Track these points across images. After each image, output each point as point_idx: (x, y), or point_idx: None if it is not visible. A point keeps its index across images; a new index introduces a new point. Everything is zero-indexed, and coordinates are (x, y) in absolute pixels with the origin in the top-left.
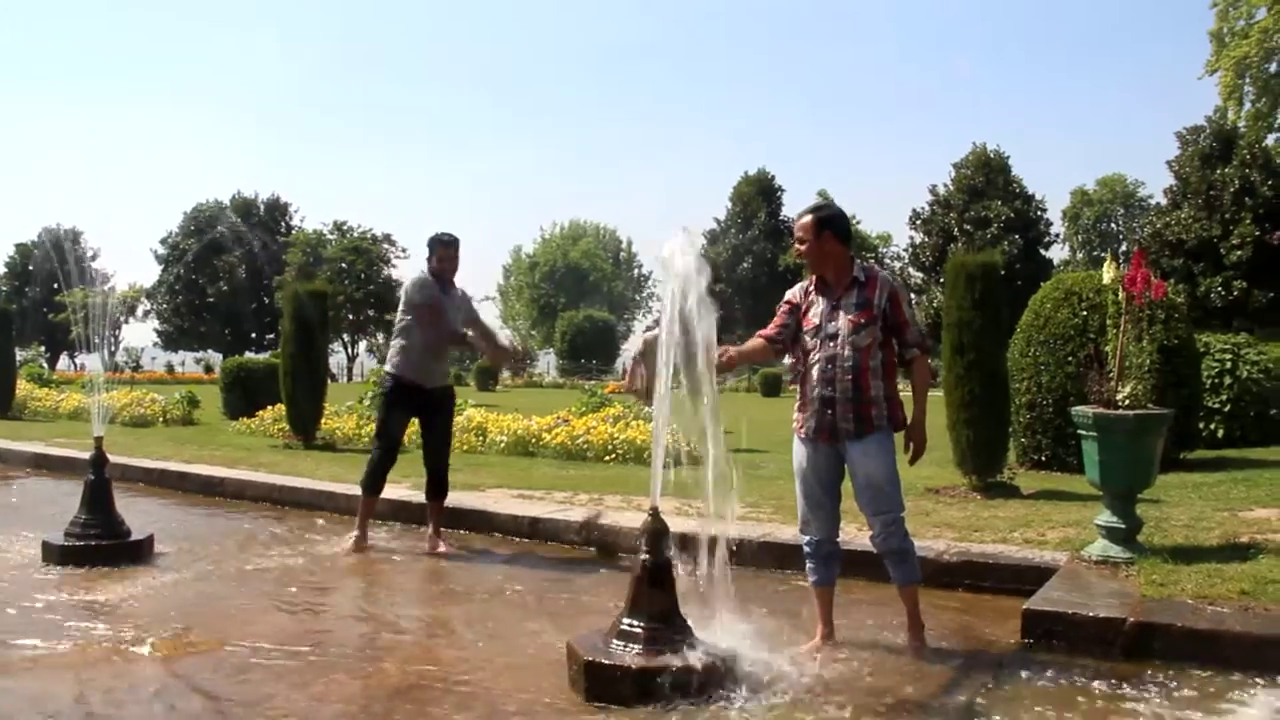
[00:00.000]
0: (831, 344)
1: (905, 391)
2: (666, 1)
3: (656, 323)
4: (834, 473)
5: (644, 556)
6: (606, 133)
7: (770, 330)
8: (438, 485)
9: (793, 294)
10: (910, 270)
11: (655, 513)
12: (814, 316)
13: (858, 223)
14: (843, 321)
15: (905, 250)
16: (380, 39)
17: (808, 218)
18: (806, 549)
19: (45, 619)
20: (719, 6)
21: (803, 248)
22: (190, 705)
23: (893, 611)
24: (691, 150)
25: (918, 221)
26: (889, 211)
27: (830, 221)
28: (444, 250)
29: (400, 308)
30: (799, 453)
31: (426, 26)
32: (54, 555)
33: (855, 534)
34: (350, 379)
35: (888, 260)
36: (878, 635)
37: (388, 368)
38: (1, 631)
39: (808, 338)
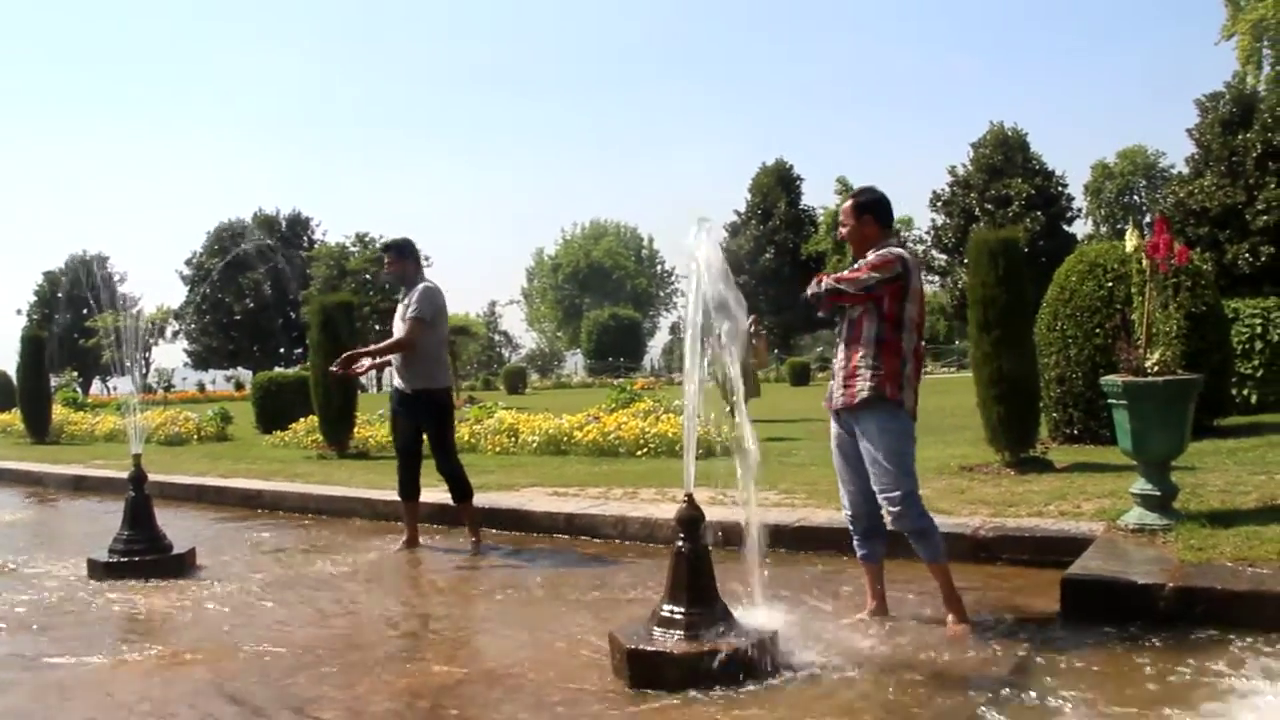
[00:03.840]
0: (839, 320)
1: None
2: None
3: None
4: (853, 448)
5: (680, 543)
6: (622, 131)
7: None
8: (451, 488)
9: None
10: (933, 253)
11: (690, 499)
12: None
13: None
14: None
15: (927, 233)
16: (392, 47)
17: (848, 202)
18: (848, 524)
19: (93, 633)
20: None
21: (844, 231)
22: (238, 710)
23: (934, 587)
24: (708, 144)
25: (938, 203)
26: (909, 195)
27: (869, 206)
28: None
29: None
30: (831, 430)
31: (439, 32)
32: (99, 571)
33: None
34: (380, 389)
35: (910, 244)
36: (920, 610)
37: None
38: (52, 646)
39: (837, 317)
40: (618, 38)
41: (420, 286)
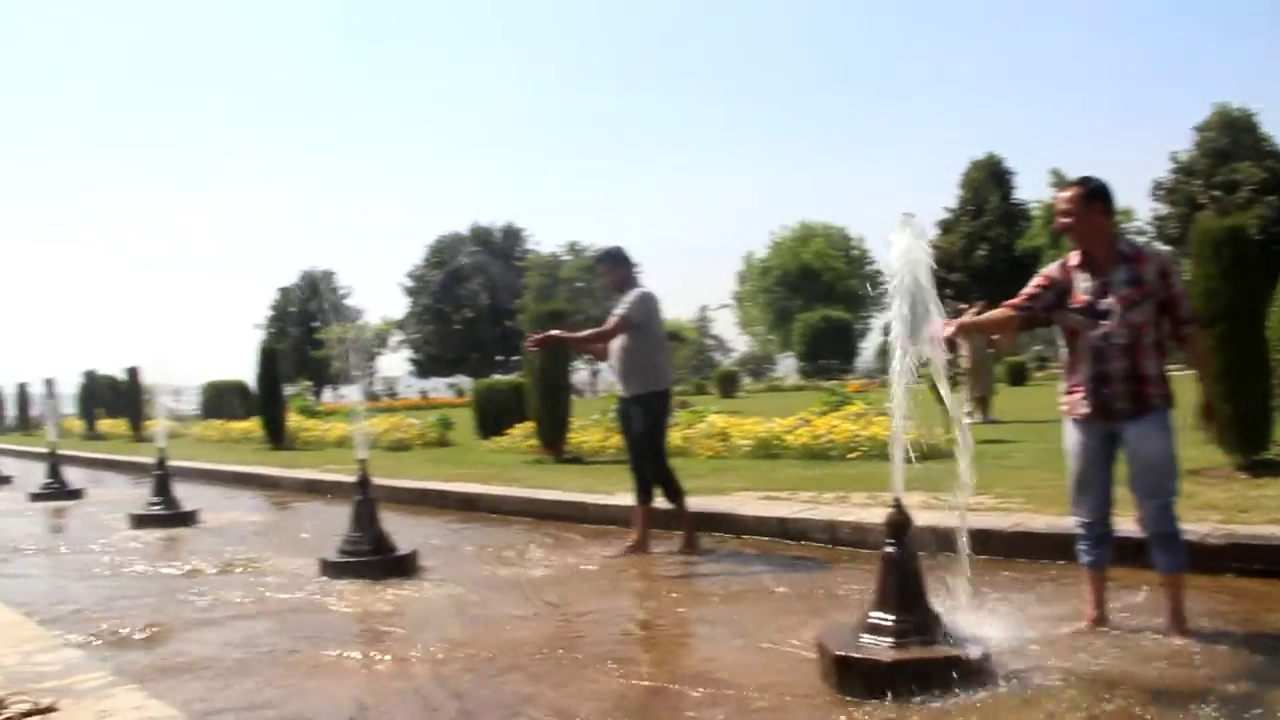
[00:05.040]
0: (1105, 322)
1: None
2: None
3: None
4: (1106, 454)
5: (889, 549)
6: (831, 131)
7: (1017, 300)
8: (661, 489)
9: (1050, 269)
10: (1156, 244)
11: (898, 504)
12: (1083, 294)
13: None
14: (1114, 299)
15: (1149, 224)
16: (603, 54)
17: (1075, 189)
18: (1079, 530)
19: (321, 629)
20: None
21: (1068, 220)
22: (453, 707)
23: (1159, 598)
24: (916, 140)
25: (1160, 192)
26: (1128, 184)
27: (1099, 193)
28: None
29: None
30: (1070, 435)
31: (649, 37)
32: (329, 570)
33: (1120, 520)
34: (595, 393)
35: (1130, 235)
36: (1143, 622)
37: None
38: (286, 640)
39: (1077, 316)
40: (822, 37)
41: (634, 290)
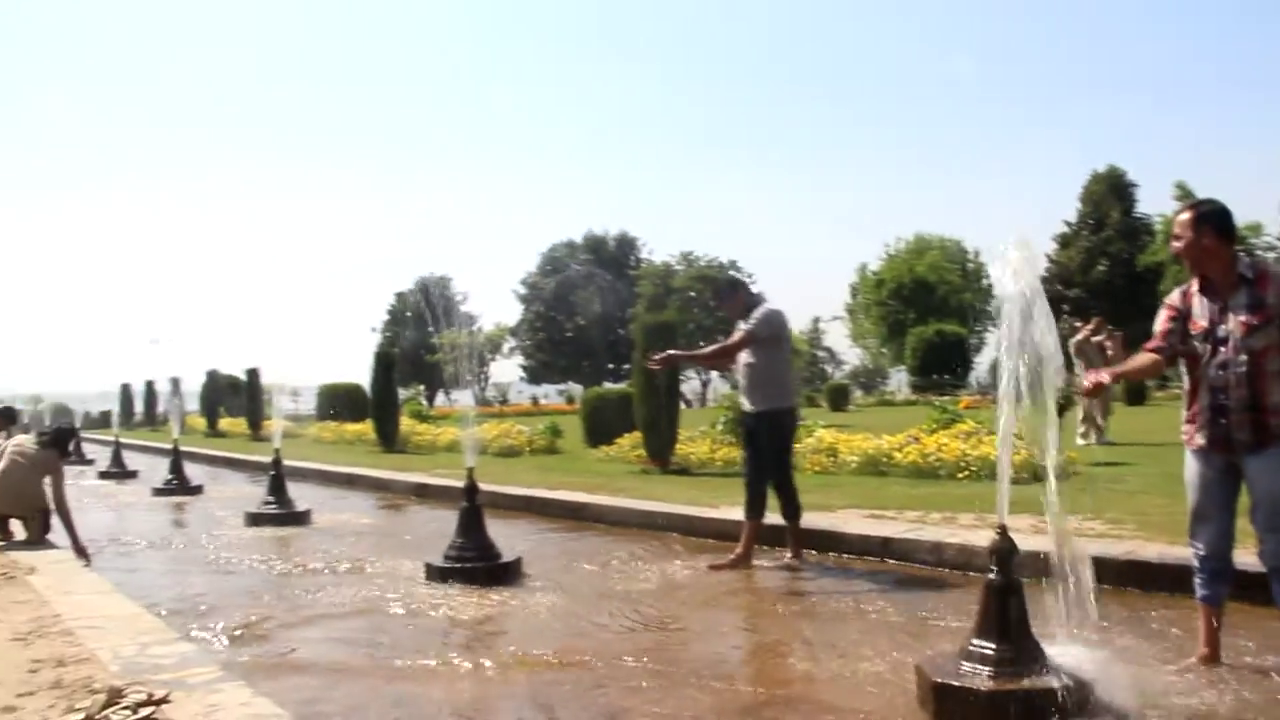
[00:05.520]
0: (1223, 349)
1: None
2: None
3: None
4: (1227, 487)
5: (992, 576)
6: (946, 140)
7: (1156, 342)
8: (783, 504)
9: (1172, 299)
10: None
11: (1003, 531)
12: (1201, 319)
13: None
14: (1233, 324)
15: (1278, 239)
16: (719, 63)
17: (1185, 214)
18: (1195, 563)
19: (424, 633)
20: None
21: (1179, 244)
22: (551, 717)
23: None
24: (1035, 151)
25: None
26: (1257, 198)
27: (1209, 217)
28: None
29: None
30: (1189, 466)
31: (766, 46)
32: (435, 575)
33: (1239, 554)
34: (705, 404)
35: (1259, 251)
36: (1258, 659)
37: None
38: (389, 642)
39: (1196, 342)
40: (941, 47)
41: (763, 307)
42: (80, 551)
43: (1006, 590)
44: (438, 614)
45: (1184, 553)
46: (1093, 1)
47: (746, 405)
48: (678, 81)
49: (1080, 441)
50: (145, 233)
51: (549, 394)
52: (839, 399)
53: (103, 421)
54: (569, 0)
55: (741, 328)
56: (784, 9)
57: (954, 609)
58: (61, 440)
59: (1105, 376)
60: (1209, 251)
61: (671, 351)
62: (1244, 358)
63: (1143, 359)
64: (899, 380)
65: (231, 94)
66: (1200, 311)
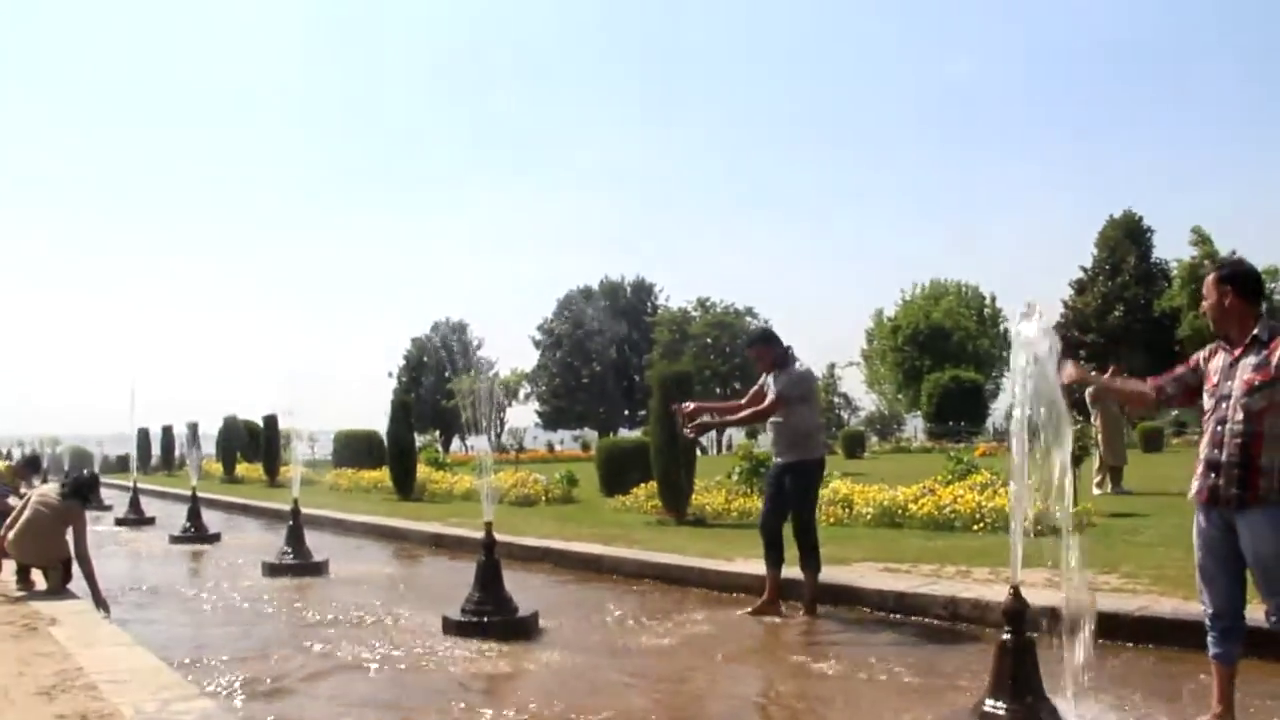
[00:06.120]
0: (1224, 405)
1: None
2: (1008, 43)
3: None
4: (1226, 544)
5: (1005, 636)
6: (961, 185)
7: (1157, 380)
8: (802, 556)
9: (1201, 352)
10: None
11: (1016, 591)
12: (1213, 374)
13: (1232, 254)
14: (1237, 382)
15: None
16: (731, 110)
17: (1210, 275)
18: (1206, 620)
19: (440, 689)
20: (1059, 45)
21: (1206, 304)
22: None
23: None
24: (1051, 196)
25: None
26: (1276, 241)
27: (1231, 279)
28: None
29: None
30: (1196, 522)
31: (780, 90)
32: (452, 629)
33: (1252, 609)
34: (720, 451)
35: (1276, 296)
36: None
37: None
38: (405, 698)
39: (1206, 397)
40: (956, 93)
41: (795, 367)
42: (100, 603)
43: (1019, 651)
44: (455, 670)
45: (1198, 608)
46: (1109, 46)
47: (777, 457)
48: (695, 129)
49: (1096, 491)
50: (160, 278)
51: (564, 440)
52: (854, 446)
53: (120, 465)
54: (585, 45)
55: (772, 389)
56: (799, 56)
57: (970, 664)
58: (83, 490)
59: (1079, 375)
60: (1231, 312)
61: (704, 419)
62: (1241, 415)
63: (1134, 383)
64: (915, 426)
65: (249, 137)
66: (1216, 368)
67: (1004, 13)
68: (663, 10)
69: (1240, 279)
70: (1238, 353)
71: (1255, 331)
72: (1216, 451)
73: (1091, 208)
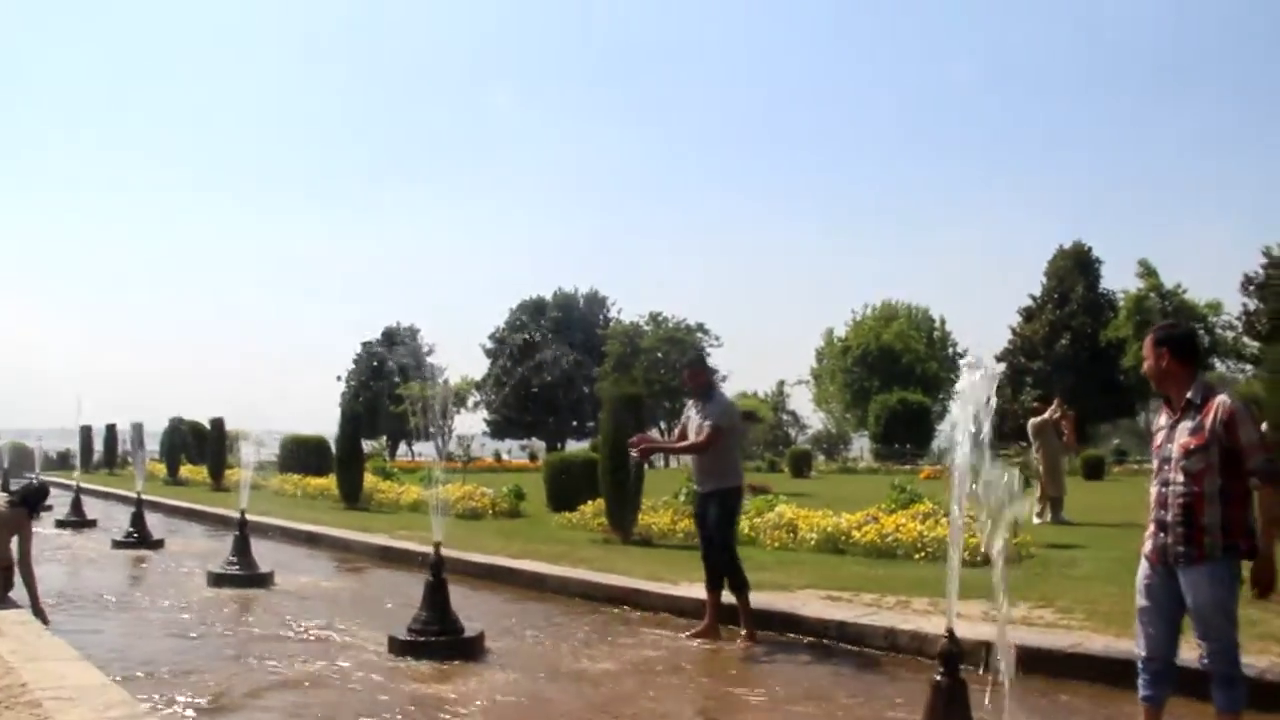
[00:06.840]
0: (1166, 467)
1: None
2: (961, 70)
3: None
4: (1169, 597)
5: (938, 677)
6: (917, 208)
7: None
8: (727, 577)
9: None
10: (1245, 339)
11: (950, 635)
12: (1158, 437)
13: (1183, 292)
14: (1175, 445)
15: (1238, 318)
16: (684, 133)
17: (1148, 336)
18: (1139, 663)
19: (383, 709)
20: (1017, 72)
21: (1146, 365)
22: None
23: None
24: (1004, 222)
25: (1250, 287)
26: (1219, 278)
27: (1167, 340)
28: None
29: None
30: (1140, 570)
31: (738, 113)
32: (397, 648)
33: (1183, 649)
34: (667, 465)
35: (1219, 330)
36: None
37: None
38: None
39: (1153, 459)
40: (912, 117)
41: (719, 398)
42: (39, 613)
43: (951, 692)
44: (401, 689)
45: (1130, 646)
46: (1061, 75)
47: (699, 486)
48: (650, 142)
49: (1036, 521)
50: (110, 277)
51: (512, 449)
52: (801, 465)
53: (60, 462)
54: (544, 56)
55: (699, 417)
56: (755, 72)
57: (907, 697)
58: (31, 501)
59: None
60: (1168, 374)
61: (649, 445)
62: (1182, 478)
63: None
64: (861, 446)
65: (201, 136)
66: (1159, 428)
67: (962, 38)
68: (609, 21)
69: (1175, 342)
70: (1176, 415)
71: (1189, 395)
72: (1163, 512)
73: (1043, 235)
